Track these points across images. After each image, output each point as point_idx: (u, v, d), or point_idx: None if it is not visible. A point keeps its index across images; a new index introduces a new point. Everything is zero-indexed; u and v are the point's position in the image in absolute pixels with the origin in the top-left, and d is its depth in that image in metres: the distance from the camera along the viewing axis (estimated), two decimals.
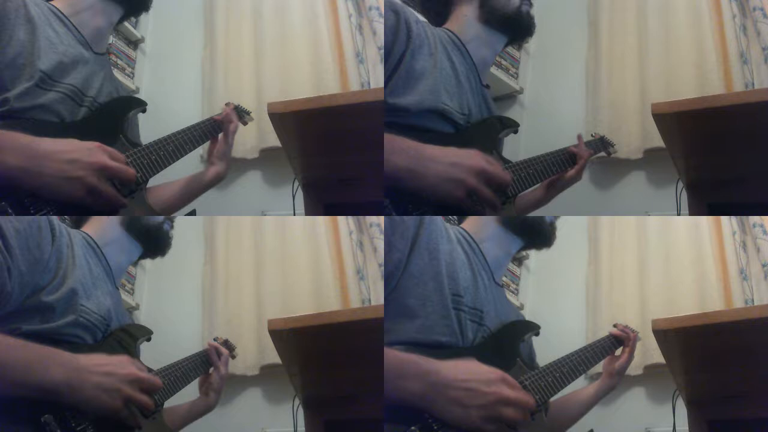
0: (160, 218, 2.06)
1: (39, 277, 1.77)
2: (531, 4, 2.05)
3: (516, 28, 2.05)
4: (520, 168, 1.98)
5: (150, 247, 2.08)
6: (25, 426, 1.71)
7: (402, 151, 1.83)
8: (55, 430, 1.71)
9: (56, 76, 1.87)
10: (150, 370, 1.91)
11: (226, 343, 2.28)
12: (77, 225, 2.00)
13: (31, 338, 1.73)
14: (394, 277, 1.77)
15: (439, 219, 1.85)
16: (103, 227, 1.99)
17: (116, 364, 1.81)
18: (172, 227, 2.11)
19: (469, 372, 1.74)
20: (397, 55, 1.87)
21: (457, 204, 1.87)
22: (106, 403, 1.76)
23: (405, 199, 1.84)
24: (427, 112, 1.89)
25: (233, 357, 2.32)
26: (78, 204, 1.82)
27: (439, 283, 1.79)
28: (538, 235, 1.99)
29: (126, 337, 1.91)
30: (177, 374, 2.02)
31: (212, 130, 2.11)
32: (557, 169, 2.06)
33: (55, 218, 1.83)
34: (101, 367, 1.79)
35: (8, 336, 1.72)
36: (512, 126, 2.02)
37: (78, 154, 1.81)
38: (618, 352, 2.10)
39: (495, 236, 1.96)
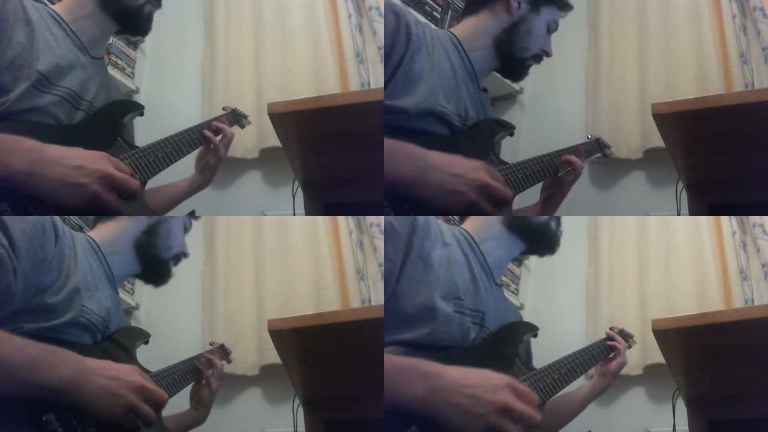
0: (170, 255, 2.04)
1: (42, 278, 1.77)
2: (540, 61, 2.05)
3: (512, 70, 2.06)
4: (516, 170, 1.98)
5: (149, 277, 2.07)
6: (27, 427, 1.71)
7: (405, 158, 1.82)
8: (56, 429, 1.71)
9: (53, 79, 1.87)
10: (147, 372, 1.90)
11: (222, 348, 2.26)
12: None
13: (33, 337, 1.73)
14: (389, 286, 1.76)
15: (434, 221, 1.85)
16: (111, 235, 1.98)
17: (123, 370, 1.81)
18: (176, 264, 2.08)
19: (475, 377, 1.72)
20: (396, 57, 1.86)
21: (457, 214, 1.87)
22: (109, 407, 1.76)
23: (405, 203, 1.83)
24: (425, 115, 1.88)
25: (228, 362, 2.31)
26: (79, 211, 1.82)
27: (434, 290, 1.78)
28: (543, 241, 1.98)
29: (121, 341, 1.90)
30: (173, 378, 2.01)
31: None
32: (554, 171, 2.06)
33: (58, 219, 1.83)
34: (108, 371, 1.78)
35: (14, 335, 1.72)
36: (508, 128, 2.02)
37: (83, 162, 1.81)
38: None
39: (497, 237, 1.95)
